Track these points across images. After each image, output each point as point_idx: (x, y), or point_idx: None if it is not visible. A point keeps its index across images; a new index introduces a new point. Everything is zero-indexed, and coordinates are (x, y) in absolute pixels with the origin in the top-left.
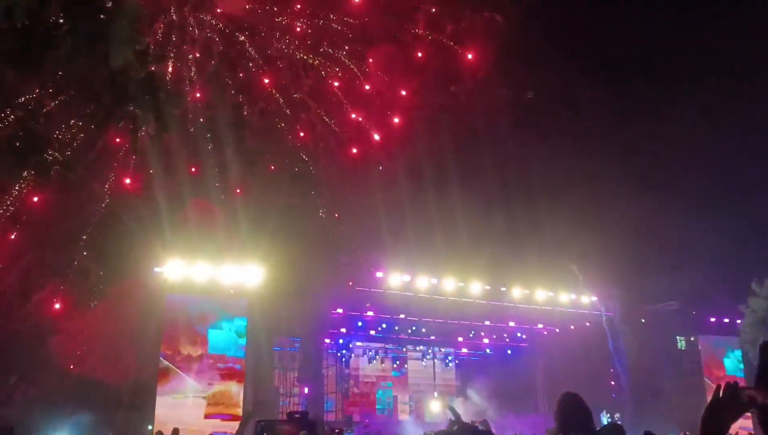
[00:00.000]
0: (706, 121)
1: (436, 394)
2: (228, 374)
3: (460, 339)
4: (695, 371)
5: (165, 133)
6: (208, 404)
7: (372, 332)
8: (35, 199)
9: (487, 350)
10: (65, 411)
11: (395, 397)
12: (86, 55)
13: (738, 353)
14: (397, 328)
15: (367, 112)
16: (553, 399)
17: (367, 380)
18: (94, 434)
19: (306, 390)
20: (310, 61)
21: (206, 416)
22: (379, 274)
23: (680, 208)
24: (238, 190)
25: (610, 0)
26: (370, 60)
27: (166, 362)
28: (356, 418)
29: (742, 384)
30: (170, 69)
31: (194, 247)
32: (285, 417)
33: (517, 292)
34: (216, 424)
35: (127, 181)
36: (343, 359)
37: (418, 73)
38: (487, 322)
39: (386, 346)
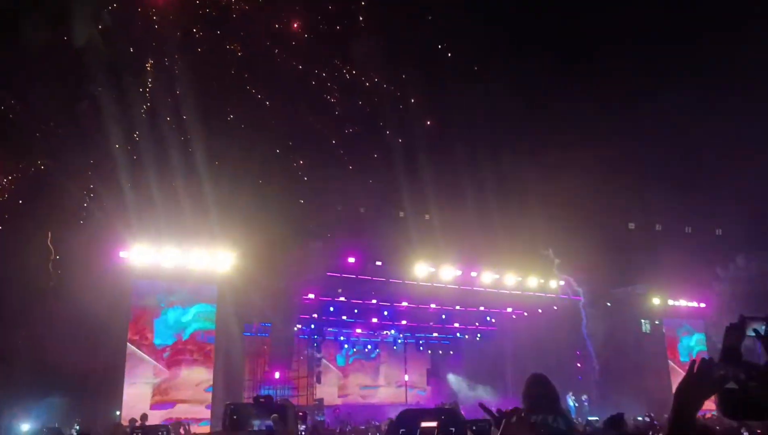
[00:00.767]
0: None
1: (407, 377)
2: (198, 360)
3: (432, 324)
4: (659, 354)
5: (129, 112)
6: (177, 389)
7: (344, 317)
8: None
9: (458, 335)
10: (34, 395)
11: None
12: (50, 32)
13: (702, 336)
14: (369, 313)
15: None
16: (521, 381)
17: (338, 365)
18: (64, 418)
19: (277, 375)
20: None
21: (174, 402)
22: (351, 260)
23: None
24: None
25: None
26: None
27: (134, 348)
28: (326, 402)
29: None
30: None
31: (161, 231)
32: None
33: (487, 277)
34: (185, 409)
35: (91, 161)
36: (315, 344)
37: None
38: (458, 307)
39: (358, 331)
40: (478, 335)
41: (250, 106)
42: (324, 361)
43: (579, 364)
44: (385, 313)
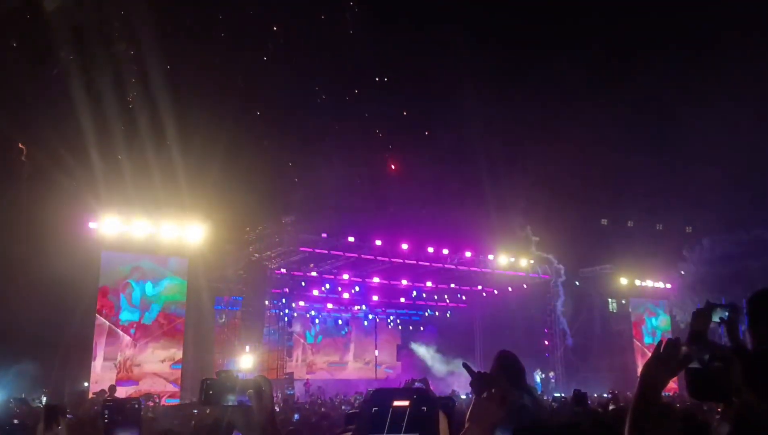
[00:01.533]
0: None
1: (377, 353)
2: (167, 333)
3: (403, 300)
4: (625, 333)
5: (98, 78)
6: (146, 363)
7: (315, 292)
8: None
9: (427, 312)
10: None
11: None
12: None
13: (666, 317)
14: (340, 288)
15: None
16: (490, 357)
17: (307, 342)
18: (31, 389)
19: (247, 349)
20: None
21: (143, 376)
22: (324, 235)
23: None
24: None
25: None
26: None
27: (102, 319)
28: (296, 376)
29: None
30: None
31: (132, 202)
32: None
33: (458, 255)
34: (150, 384)
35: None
36: (286, 318)
37: None
38: (429, 283)
39: (329, 305)
40: (449, 312)
41: (217, 70)
42: (295, 335)
43: (547, 342)
44: (357, 288)
